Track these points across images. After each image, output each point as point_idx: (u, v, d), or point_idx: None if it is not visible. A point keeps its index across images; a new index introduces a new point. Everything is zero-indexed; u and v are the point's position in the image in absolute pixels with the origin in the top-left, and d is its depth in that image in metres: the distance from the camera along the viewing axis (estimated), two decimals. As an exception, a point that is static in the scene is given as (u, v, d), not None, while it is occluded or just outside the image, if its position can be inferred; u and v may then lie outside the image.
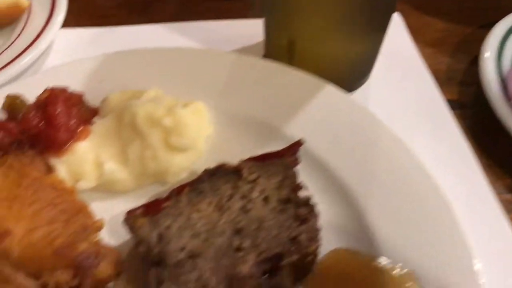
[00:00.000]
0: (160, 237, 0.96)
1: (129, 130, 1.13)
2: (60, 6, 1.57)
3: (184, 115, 1.15)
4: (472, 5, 1.79)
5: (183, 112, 1.15)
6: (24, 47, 1.46)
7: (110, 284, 0.97)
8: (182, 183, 1.05)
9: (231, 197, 1.00)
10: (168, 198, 1.02)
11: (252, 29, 1.55)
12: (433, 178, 1.07)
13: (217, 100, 1.26)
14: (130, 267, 1.01)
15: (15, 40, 1.50)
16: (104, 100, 1.23)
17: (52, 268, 0.91)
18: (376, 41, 1.38)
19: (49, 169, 1.10)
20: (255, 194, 1.00)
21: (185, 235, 0.96)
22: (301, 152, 1.08)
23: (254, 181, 1.02)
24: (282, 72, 1.27)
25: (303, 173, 1.08)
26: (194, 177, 1.06)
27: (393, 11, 1.33)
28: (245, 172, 1.03)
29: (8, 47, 1.49)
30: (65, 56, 1.51)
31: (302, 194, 1.00)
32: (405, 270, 0.99)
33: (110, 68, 1.30)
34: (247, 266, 0.91)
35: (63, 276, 0.90)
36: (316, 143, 1.15)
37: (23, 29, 1.53)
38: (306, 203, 0.97)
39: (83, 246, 0.93)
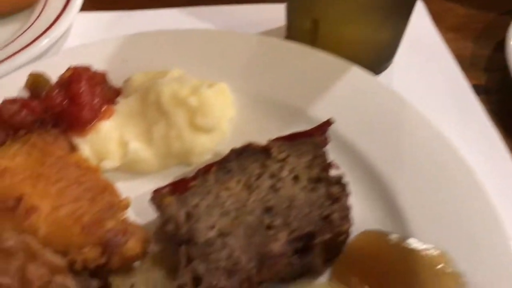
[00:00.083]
0: (188, 216, 0.94)
1: (153, 110, 1.11)
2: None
3: (209, 95, 1.13)
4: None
5: (208, 92, 1.13)
6: (43, 29, 1.45)
7: (136, 263, 0.95)
8: (206, 164, 1.04)
9: (259, 176, 0.99)
10: (195, 177, 1.00)
11: (271, 14, 1.54)
12: (464, 158, 1.05)
13: (240, 82, 1.24)
14: (156, 246, 0.99)
15: (33, 22, 1.49)
16: (126, 81, 1.21)
17: (80, 245, 0.89)
18: (400, 25, 1.35)
19: (73, 148, 1.09)
20: (284, 173, 0.98)
21: (214, 214, 0.94)
22: (328, 133, 1.06)
23: (283, 160, 1.00)
24: (306, 53, 1.25)
25: (331, 155, 1.06)
26: (218, 159, 1.05)
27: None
28: (274, 151, 1.01)
29: (27, 29, 1.48)
30: (83, 39, 1.49)
31: (333, 173, 0.98)
32: (437, 251, 0.97)
33: (133, 48, 1.28)
34: (278, 244, 0.89)
35: (90, 253, 0.88)
36: (343, 124, 1.13)
37: (41, 11, 1.52)
38: (338, 181, 0.95)
39: (110, 224, 0.92)
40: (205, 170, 1.01)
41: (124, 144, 1.10)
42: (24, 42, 1.41)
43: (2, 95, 1.14)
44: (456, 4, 1.69)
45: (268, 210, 0.94)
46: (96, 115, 1.10)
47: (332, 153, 1.07)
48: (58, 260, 0.85)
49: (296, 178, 0.98)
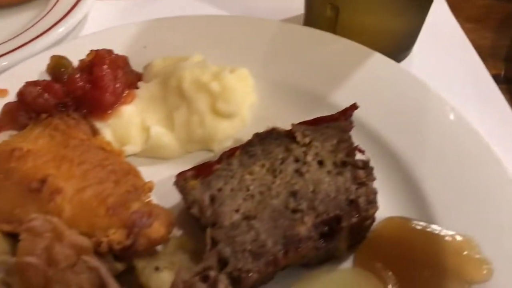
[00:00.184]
0: (212, 199, 0.94)
1: (175, 95, 1.11)
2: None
3: (231, 80, 1.12)
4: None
5: (229, 77, 1.12)
6: (60, 17, 1.45)
7: (159, 247, 0.95)
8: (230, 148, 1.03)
9: (284, 160, 0.98)
10: (219, 161, 1.00)
11: (289, 2, 1.53)
12: (488, 144, 1.04)
13: (260, 68, 1.24)
14: (179, 231, 0.99)
15: (51, 9, 1.48)
16: (147, 66, 1.20)
17: (105, 227, 0.89)
18: (420, 14, 1.34)
19: (94, 132, 1.08)
20: (309, 157, 0.97)
21: (239, 197, 0.94)
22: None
23: (308, 144, 0.99)
24: (328, 39, 1.25)
25: (354, 141, 1.05)
26: (239, 145, 1.04)
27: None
28: (298, 136, 1.00)
29: (44, 16, 1.47)
30: (100, 27, 1.48)
31: (358, 157, 0.97)
32: (462, 238, 0.96)
33: (153, 34, 1.28)
34: (305, 227, 0.88)
35: (116, 235, 0.88)
36: (366, 111, 1.12)
37: (58, -1, 1.51)
38: (364, 166, 0.94)
39: (135, 206, 0.91)
40: (229, 154, 1.00)
41: (146, 129, 1.09)
42: (41, 29, 1.41)
43: (23, 79, 1.13)
44: (474, -5, 1.68)
45: (293, 194, 0.93)
46: (118, 99, 1.09)
47: (355, 139, 1.06)
48: (84, 242, 0.85)
49: (321, 162, 0.97)
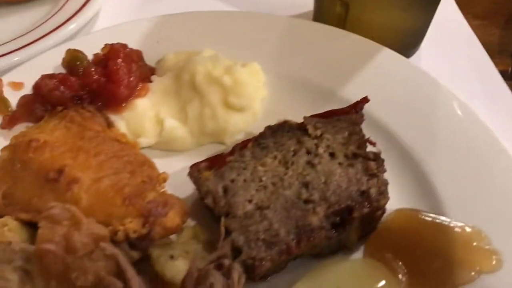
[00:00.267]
0: (226, 190, 0.96)
1: (188, 89, 1.13)
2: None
3: (243, 74, 1.14)
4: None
5: (241, 71, 1.14)
6: (72, 13, 1.46)
7: (173, 237, 0.96)
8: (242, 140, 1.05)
9: (296, 152, 1.00)
10: (231, 152, 1.01)
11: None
12: (497, 138, 1.06)
13: (271, 63, 1.25)
14: (193, 221, 1.00)
15: (63, 5, 1.50)
16: (160, 60, 1.22)
17: (121, 216, 0.91)
18: (429, 10, 1.36)
19: (109, 125, 1.10)
20: (321, 149, 0.99)
21: (251, 188, 0.95)
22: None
23: (319, 136, 1.01)
24: (338, 35, 1.26)
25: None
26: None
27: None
28: (310, 128, 1.02)
29: (56, 12, 1.49)
30: (112, 23, 1.50)
31: (370, 149, 0.99)
32: (472, 229, 0.97)
33: (166, 29, 1.29)
34: (317, 217, 0.90)
35: (132, 224, 0.89)
36: (376, 105, 1.13)
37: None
38: (375, 157, 0.96)
39: (151, 196, 0.93)
40: (242, 146, 1.02)
41: (159, 122, 1.11)
42: (52, 25, 1.43)
43: (38, 73, 1.16)
44: (483, -8, 1.70)
45: (305, 185, 0.95)
46: (132, 92, 1.11)
47: (365, 133, 1.08)
48: (102, 230, 0.87)
49: (332, 154, 0.99)
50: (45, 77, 1.10)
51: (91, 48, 1.19)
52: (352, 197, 0.92)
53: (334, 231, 0.91)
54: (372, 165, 0.95)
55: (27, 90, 1.17)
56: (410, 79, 1.17)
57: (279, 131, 1.03)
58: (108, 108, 1.11)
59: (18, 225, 0.92)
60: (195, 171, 0.99)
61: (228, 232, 0.90)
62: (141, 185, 0.95)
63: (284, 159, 0.99)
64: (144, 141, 1.10)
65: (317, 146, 1.00)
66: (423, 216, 1.01)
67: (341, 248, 0.97)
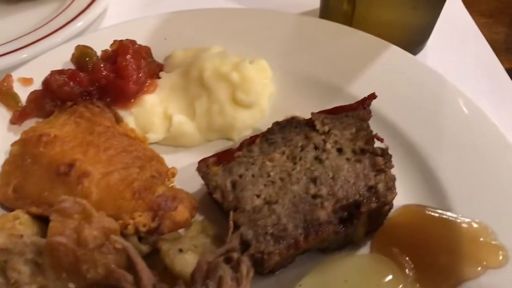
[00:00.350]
0: (234, 184, 0.97)
1: (196, 85, 1.14)
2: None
3: (251, 71, 1.15)
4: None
5: (249, 68, 1.15)
6: (80, 10, 1.47)
7: (181, 230, 0.97)
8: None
9: (304, 147, 1.00)
10: (239, 148, 1.02)
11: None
12: (504, 134, 1.06)
13: (278, 60, 1.26)
14: (201, 215, 1.01)
15: (71, 3, 1.51)
16: (168, 57, 1.23)
17: (131, 210, 0.92)
18: (435, 8, 1.36)
19: (118, 120, 1.11)
20: (329, 145, 1.00)
21: (260, 183, 0.96)
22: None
23: (327, 132, 1.02)
24: (345, 32, 1.27)
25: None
26: (258, 134, 1.06)
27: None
28: (317, 124, 1.02)
29: (64, 10, 1.50)
30: (119, 21, 1.51)
31: (377, 145, 1.00)
32: (479, 225, 0.98)
33: (174, 26, 1.30)
34: (325, 212, 0.91)
35: (142, 218, 0.91)
36: (383, 102, 1.13)
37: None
38: (383, 153, 0.97)
39: (160, 190, 0.94)
40: (249, 141, 1.03)
41: (168, 118, 1.12)
42: (60, 23, 1.43)
43: (47, 69, 1.17)
44: (489, -10, 1.70)
45: (313, 180, 0.95)
46: (141, 88, 1.12)
47: (373, 130, 1.08)
48: (112, 224, 0.88)
49: (340, 150, 0.99)
50: (54, 72, 1.11)
51: (99, 44, 1.20)
52: (360, 192, 0.93)
53: (341, 226, 0.92)
54: (380, 160, 0.96)
55: (36, 86, 1.18)
56: (417, 76, 1.18)
57: (287, 127, 1.04)
58: (117, 104, 1.11)
59: (29, 218, 0.94)
60: (203, 166, 1.00)
61: (236, 226, 0.91)
62: (150, 179, 0.96)
63: (292, 155, 1.00)
64: (152, 136, 1.11)
65: (325, 141, 1.00)
66: (430, 212, 1.01)
67: (349, 243, 0.98)
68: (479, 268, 0.92)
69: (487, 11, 1.61)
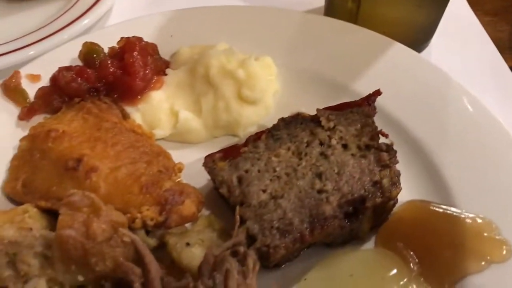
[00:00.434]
0: (240, 179, 0.98)
1: (202, 82, 1.15)
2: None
3: (256, 68, 1.16)
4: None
5: (255, 65, 1.16)
6: (86, 8, 1.48)
7: (188, 225, 0.98)
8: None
9: (309, 143, 1.01)
10: (245, 143, 1.03)
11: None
12: (508, 131, 1.07)
13: (283, 57, 1.27)
14: (207, 210, 1.02)
15: (77, 0, 1.52)
16: (174, 54, 1.24)
17: (139, 204, 0.93)
18: (439, 6, 1.37)
19: (125, 116, 1.12)
20: (334, 140, 1.01)
21: (266, 178, 0.97)
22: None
23: (332, 128, 1.02)
24: (350, 29, 1.27)
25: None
26: (263, 131, 1.07)
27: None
28: (323, 120, 1.03)
29: (70, 8, 1.51)
30: (125, 19, 1.52)
31: (382, 141, 1.01)
32: (482, 220, 0.98)
33: (180, 23, 1.31)
34: (330, 207, 0.91)
35: (149, 212, 0.92)
36: (388, 99, 1.14)
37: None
38: (388, 149, 0.97)
39: (168, 184, 0.95)
40: (255, 137, 1.04)
41: (174, 114, 1.13)
42: (66, 21, 1.44)
43: (54, 66, 1.18)
44: (492, -11, 1.70)
45: (318, 175, 0.96)
46: (148, 85, 1.13)
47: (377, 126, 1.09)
48: (120, 217, 0.89)
49: (345, 146, 1.00)
50: (62, 69, 1.13)
51: (106, 41, 1.21)
52: (365, 187, 0.93)
53: (347, 221, 0.93)
54: (385, 156, 0.96)
55: (44, 82, 1.19)
56: (421, 73, 1.19)
57: (292, 123, 1.05)
58: (124, 100, 1.13)
59: (38, 212, 0.95)
60: (210, 162, 1.01)
61: (242, 221, 0.92)
62: (157, 174, 0.97)
63: (297, 150, 1.01)
64: (159, 132, 1.12)
65: (330, 137, 1.01)
66: (434, 207, 1.02)
67: (354, 238, 0.99)
68: (483, 263, 0.93)
69: (492, 9, 1.62)
